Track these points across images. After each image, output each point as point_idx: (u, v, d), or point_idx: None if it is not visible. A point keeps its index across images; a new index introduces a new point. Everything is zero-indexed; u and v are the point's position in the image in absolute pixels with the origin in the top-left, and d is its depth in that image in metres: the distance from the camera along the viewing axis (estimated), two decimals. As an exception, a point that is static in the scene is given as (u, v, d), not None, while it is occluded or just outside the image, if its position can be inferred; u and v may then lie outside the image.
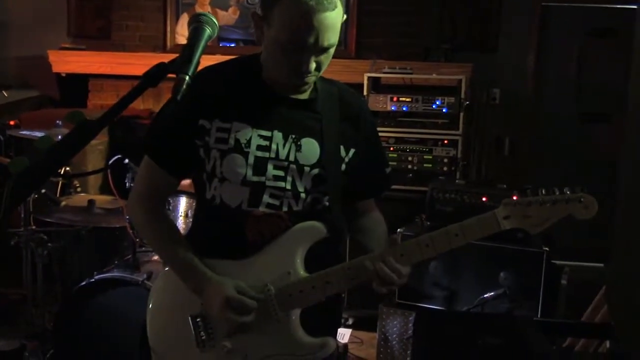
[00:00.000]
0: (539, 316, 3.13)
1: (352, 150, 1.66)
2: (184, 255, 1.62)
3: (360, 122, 1.69)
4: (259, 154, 1.58)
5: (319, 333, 1.63)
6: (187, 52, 1.19)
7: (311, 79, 1.56)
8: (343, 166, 1.65)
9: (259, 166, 1.58)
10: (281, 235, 1.61)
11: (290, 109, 1.61)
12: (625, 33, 5.00)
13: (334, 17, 1.47)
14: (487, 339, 2.00)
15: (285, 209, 1.60)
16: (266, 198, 1.59)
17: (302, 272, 1.60)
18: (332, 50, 1.53)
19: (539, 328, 2.27)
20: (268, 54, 1.57)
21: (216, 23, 1.27)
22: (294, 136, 1.60)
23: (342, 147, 1.64)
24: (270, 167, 1.58)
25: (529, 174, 5.04)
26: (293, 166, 1.59)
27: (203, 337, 1.62)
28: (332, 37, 1.49)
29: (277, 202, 1.59)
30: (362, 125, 1.70)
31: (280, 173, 1.59)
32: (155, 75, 1.12)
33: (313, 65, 1.51)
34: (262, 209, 1.59)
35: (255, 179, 1.58)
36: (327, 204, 1.65)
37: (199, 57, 1.19)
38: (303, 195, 1.61)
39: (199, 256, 1.63)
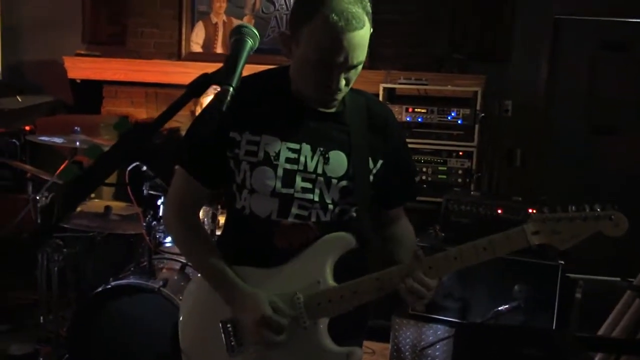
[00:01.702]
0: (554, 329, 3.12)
1: (380, 162, 1.68)
2: (216, 264, 1.65)
3: (388, 133, 1.71)
4: (288, 166, 1.60)
5: (346, 342, 1.64)
6: (231, 63, 1.20)
7: (340, 95, 1.58)
8: (371, 177, 1.67)
9: (288, 178, 1.60)
10: (310, 245, 1.62)
11: (319, 121, 1.63)
12: (637, 46, 5.03)
13: (363, 36, 1.49)
14: (528, 352, 2.00)
15: (313, 219, 1.62)
16: (295, 209, 1.61)
17: (331, 282, 1.61)
18: (360, 67, 1.55)
19: (579, 343, 2.26)
20: (297, 71, 1.59)
21: (257, 35, 1.29)
22: (322, 149, 1.62)
23: (370, 158, 1.66)
24: (298, 179, 1.60)
25: (541, 185, 5.04)
26: (321, 178, 1.61)
27: (233, 343, 1.64)
28: (360, 55, 1.51)
29: (305, 213, 1.62)
30: (390, 136, 1.71)
31: (309, 185, 1.61)
32: (199, 86, 1.14)
33: (342, 83, 1.54)
34: (290, 219, 1.61)
35: (284, 190, 1.60)
36: (354, 214, 1.67)
37: (242, 68, 1.21)
38: (331, 206, 1.63)
39: (229, 264, 1.65)
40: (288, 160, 1.60)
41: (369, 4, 1.52)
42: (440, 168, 4.19)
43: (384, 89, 4.32)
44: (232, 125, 1.61)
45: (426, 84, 4.38)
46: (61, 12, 5.57)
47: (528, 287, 3.17)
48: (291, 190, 1.60)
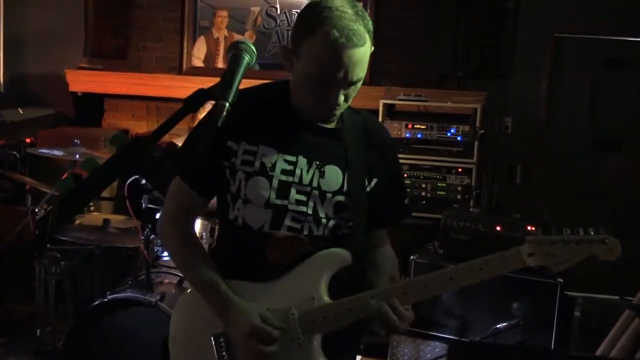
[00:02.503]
0: (552, 348, 3.11)
1: (374, 180, 1.68)
2: (209, 277, 1.64)
3: (384, 152, 1.72)
4: (283, 178, 1.60)
5: (338, 358, 1.64)
6: (227, 78, 1.20)
7: (339, 111, 1.59)
8: (367, 195, 1.67)
9: (283, 190, 1.60)
10: (305, 259, 1.62)
11: (317, 136, 1.63)
12: (638, 64, 5.05)
13: (363, 53, 1.49)
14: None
15: (305, 232, 1.62)
16: (288, 221, 1.61)
17: (326, 298, 1.61)
18: (359, 84, 1.56)
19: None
20: (297, 85, 1.60)
21: (255, 51, 1.29)
22: (318, 163, 1.62)
23: (365, 176, 1.66)
24: (293, 191, 1.60)
25: (541, 202, 5.03)
26: (315, 192, 1.61)
27: (225, 357, 1.63)
28: (360, 71, 1.52)
29: (298, 226, 1.61)
30: (386, 155, 1.72)
31: (303, 198, 1.61)
32: (195, 101, 1.14)
33: (341, 99, 1.54)
34: (283, 231, 1.61)
35: (278, 202, 1.60)
36: (348, 230, 1.66)
37: (239, 84, 1.21)
38: (324, 221, 1.63)
39: (223, 278, 1.64)
40: (284, 171, 1.60)
41: (370, 21, 1.53)
42: (439, 184, 4.19)
43: (384, 105, 4.33)
44: (230, 134, 1.61)
45: (426, 100, 4.39)
46: (64, 25, 5.58)
47: (527, 304, 3.16)
48: (285, 202, 1.60)
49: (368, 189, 1.67)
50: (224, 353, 1.63)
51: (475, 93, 4.67)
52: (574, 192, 5.08)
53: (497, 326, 3.15)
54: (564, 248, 1.53)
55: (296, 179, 1.60)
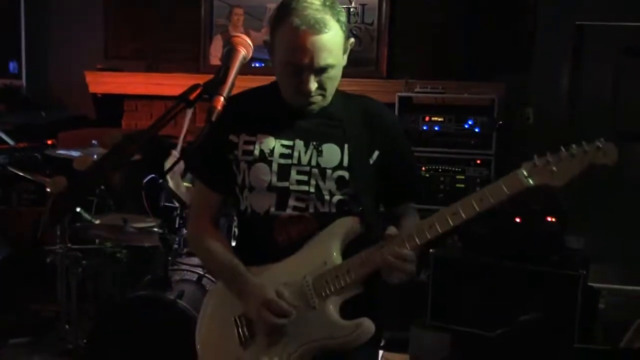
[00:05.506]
0: (575, 341, 3.06)
1: (376, 152, 1.72)
2: (229, 261, 1.71)
3: (386, 130, 1.75)
4: (282, 161, 1.68)
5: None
6: (222, 73, 1.20)
7: (316, 98, 1.65)
8: (371, 168, 1.70)
9: (283, 172, 1.67)
10: (311, 236, 1.67)
11: (311, 120, 1.70)
12: (662, 52, 4.93)
13: (328, 40, 1.56)
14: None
15: (311, 210, 1.67)
16: (292, 202, 1.67)
17: (338, 261, 1.64)
18: (333, 72, 1.61)
19: (581, 356, 2.22)
20: (277, 76, 1.68)
21: (251, 45, 1.30)
22: (315, 143, 1.69)
23: (366, 149, 1.70)
24: (293, 172, 1.68)
25: (563, 194, 4.95)
26: (315, 170, 1.67)
27: (246, 334, 1.69)
28: (327, 57, 1.57)
29: (303, 205, 1.67)
30: (389, 132, 1.75)
31: (304, 178, 1.68)
32: (190, 97, 1.13)
33: (314, 85, 1.60)
34: (289, 211, 1.67)
35: (279, 184, 1.67)
36: (356, 207, 1.70)
37: (234, 78, 1.21)
38: (327, 197, 1.68)
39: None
40: (282, 155, 1.68)
41: (342, 12, 1.61)
42: (458, 177, 4.15)
43: (401, 97, 4.30)
44: (231, 129, 1.71)
45: (443, 93, 4.35)
46: (84, 28, 5.64)
47: (549, 297, 3.11)
48: (286, 184, 1.67)
49: (371, 161, 1.71)
50: (244, 330, 1.68)
51: (492, 84, 4.61)
52: (596, 183, 4.99)
53: (519, 319, 3.11)
54: (560, 164, 1.55)
55: (295, 161, 1.68)
